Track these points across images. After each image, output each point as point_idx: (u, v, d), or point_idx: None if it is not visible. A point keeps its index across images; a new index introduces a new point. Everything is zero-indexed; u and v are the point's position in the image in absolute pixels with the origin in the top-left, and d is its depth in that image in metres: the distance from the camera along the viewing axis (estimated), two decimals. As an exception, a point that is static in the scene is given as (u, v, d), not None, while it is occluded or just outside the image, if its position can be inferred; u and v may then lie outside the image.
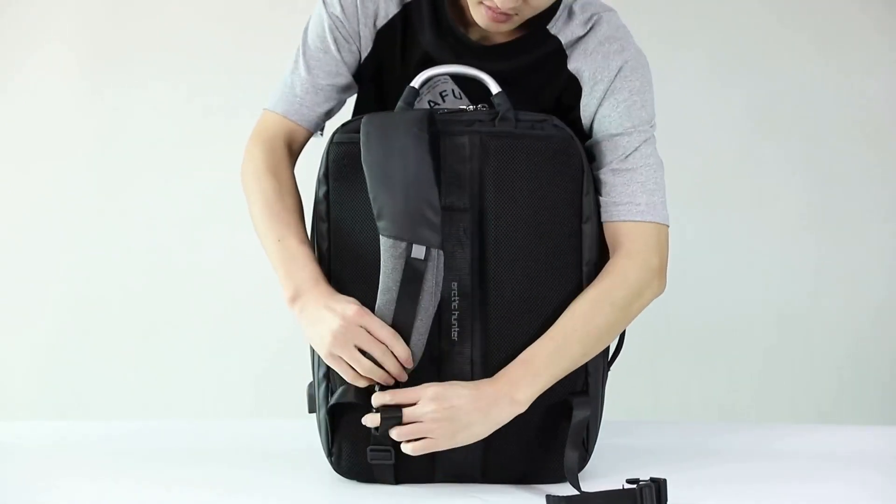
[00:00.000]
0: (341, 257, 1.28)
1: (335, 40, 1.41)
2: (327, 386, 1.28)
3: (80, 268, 2.67)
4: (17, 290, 2.69)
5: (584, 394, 1.27)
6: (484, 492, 1.24)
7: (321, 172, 1.30)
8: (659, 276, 1.33)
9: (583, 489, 1.20)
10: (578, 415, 1.24)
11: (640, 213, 1.32)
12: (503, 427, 1.23)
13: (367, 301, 1.24)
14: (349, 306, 1.22)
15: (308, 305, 1.25)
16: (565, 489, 1.22)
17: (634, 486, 1.16)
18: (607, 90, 1.35)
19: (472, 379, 1.24)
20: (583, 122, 1.37)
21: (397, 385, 1.23)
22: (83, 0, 2.64)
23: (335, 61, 1.42)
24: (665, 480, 1.17)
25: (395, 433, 1.21)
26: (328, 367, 1.27)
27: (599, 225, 1.30)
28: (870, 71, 2.55)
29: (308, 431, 1.41)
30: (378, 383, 1.23)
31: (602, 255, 1.31)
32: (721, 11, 2.55)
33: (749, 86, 2.55)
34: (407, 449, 1.21)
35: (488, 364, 1.24)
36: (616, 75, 1.35)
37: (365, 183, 1.25)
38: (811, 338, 2.59)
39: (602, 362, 1.32)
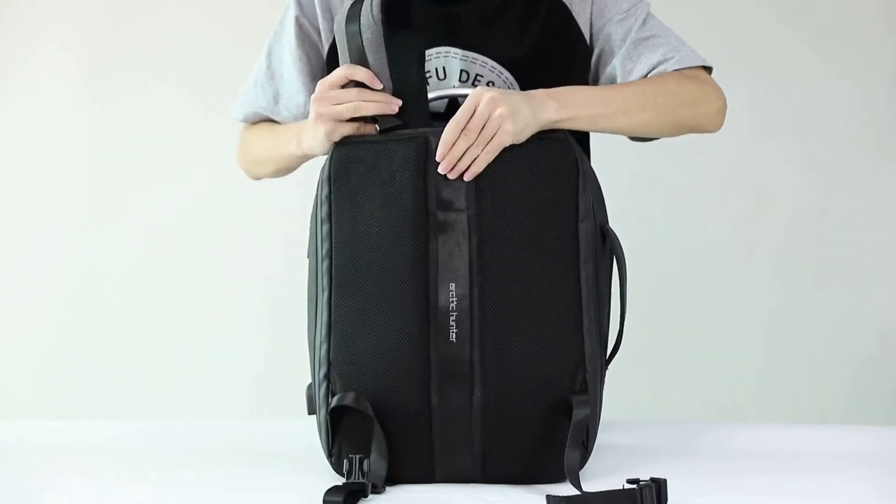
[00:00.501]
0: (342, 259, 1.29)
1: (301, 45, 1.52)
2: (328, 387, 1.28)
3: (80, 268, 2.67)
4: (17, 291, 2.70)
5: (584, 392, 1.27)
6: (484, 492, 1.24)
7: (324, 175, 1.31)
8: (719, 112, 1.44)
9: (583, 488, 1.20)
10: (579, 414, 1.24)
11: (685, 60, 1.42)
12: (502, 427, 1.24)
13: (370, 306, 1.25)
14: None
15: (299, 133, 1.41)
16: (565, 489, 1.22)
17: (634, 486, 1.16)
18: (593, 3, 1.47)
19: (471, 381, 1.24)
20: (581, 28, 1.46)
21: (402, 119, 1.29)
22: (83, 0, 2.65)
23: (305, 71, 1.54)
24: (665, 480, 1.17)
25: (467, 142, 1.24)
26: (329, 368, 1.27)
27: (595, 224, 1.30)
28: (870, 71, 2.55)
29: (308, 431, 1.41)
30: (376, 119, 1.29)
31: (599, 254, 1.31)
32: (721, 12, 2.55)
33: (749, 86, 2.55)
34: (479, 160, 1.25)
35: (486, 365, 1.25)
36: None
37: (366, 186, 1.27)
38: (811, 338, 2.59)
39: (600, 360, 1.32)
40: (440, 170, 1.26)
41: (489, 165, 1.26)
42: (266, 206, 2.65)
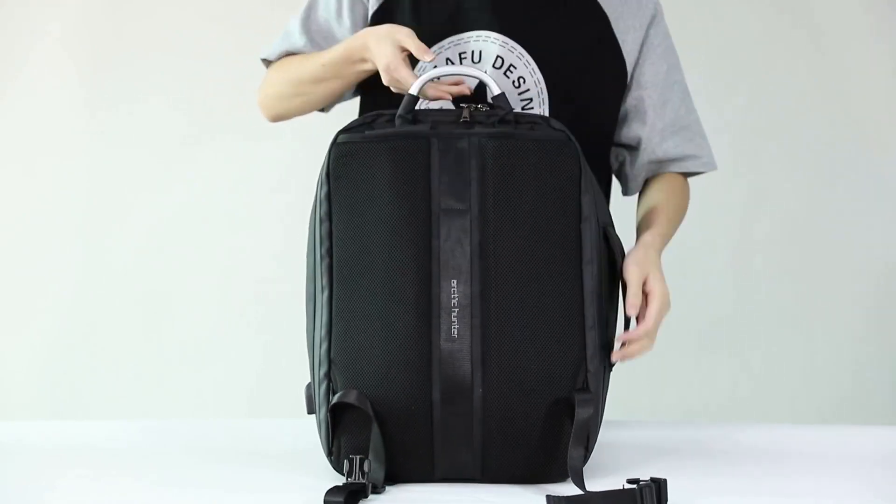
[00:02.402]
0: (342, 257, 1.28)
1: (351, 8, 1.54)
2: (328, 385, 1.28)
3: (79, 268, 2.67)
4: (17, 291, 2.70)
5: (586, 391, 1.27)
6: (484, 492, 1.24)
7: (323, 173, 1.30)
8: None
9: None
10: (582, 413, 1.24)
11: (707, 166, 1.62)
12: (503, 426, 1.24)
13: (371, 304, 1.25)
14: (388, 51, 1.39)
15: (367, 45, 1.43)
16: (565, 489, 1.21)
17: (634, 486, 1.16)
18: (643, 40, 1.55)
19: (472, 378, 1.24)
20: (625, 56, 1.53)
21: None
22: (82, 1, 2.65)
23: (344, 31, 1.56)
24: (665, 480, 1.17)
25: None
26: (329, 367, 1.27)
27: (598, 224, 1.30)
28: (869, 71, 2.55)
29: (306, 431, 1.41)
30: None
31: (601, 255, 1.31)
32: (720, 12, 2.55)
33: (749, 86, 2.56)
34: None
35: (488, 362, 1.24)
36: (650, 23, 1.55)
37: (366, 184, 1.27)
38: (811, 338, 2.59)
39: (603, 361, 1.32)
40: (613, 358, 1.33)
41: (491, 166, 1.26)
42: (264, 205, 2.65)
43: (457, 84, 1.42)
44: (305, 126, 2.64)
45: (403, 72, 1.38)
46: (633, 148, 1.59)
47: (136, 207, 2.66)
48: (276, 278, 2.61)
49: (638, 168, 1.60)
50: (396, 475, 1.26)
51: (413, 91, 1.32)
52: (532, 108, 1.50)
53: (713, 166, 1.63)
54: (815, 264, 2.58)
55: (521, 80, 1.50)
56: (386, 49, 1.40)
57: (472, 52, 1.50)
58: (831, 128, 2.56)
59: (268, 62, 1.64)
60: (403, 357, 1.24)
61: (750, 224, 2.58)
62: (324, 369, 1.28)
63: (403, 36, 1.40)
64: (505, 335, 1.25)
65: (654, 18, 1.56)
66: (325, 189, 1.29)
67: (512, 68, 1.49)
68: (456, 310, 1.25)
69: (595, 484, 1.23)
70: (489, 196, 1.26)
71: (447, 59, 1.50)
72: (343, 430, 1.27)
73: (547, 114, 1.50)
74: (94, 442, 1.51)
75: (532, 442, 1.26)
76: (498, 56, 1.49)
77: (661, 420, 1.69)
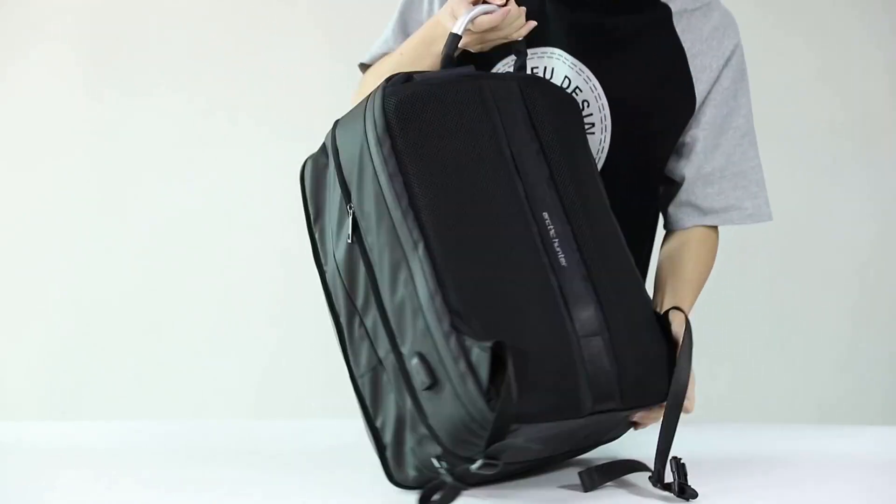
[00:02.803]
0: (432, 205, 1.19)
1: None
2: (458, 337, 1.14)
3: (80, 268, 2.67)
4: (17, 291, 2.70)
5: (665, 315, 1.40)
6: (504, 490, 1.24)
7: (379, 131, 1.21)
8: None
9: (583, 491, 1.20)
10: (675, 328, 1.40)
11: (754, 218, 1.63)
12: (630, 343, 1.24)
13: (477, 244, 1.19)
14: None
15: (437, 18, 1.40)
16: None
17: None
18: (716, 79, 1.52)
19: (594, 302, 1.21)
20: (696, 97, 1.51)
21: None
22: (84, 0, 2.65)
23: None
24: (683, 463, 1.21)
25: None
26: (451, 317, 1.15)
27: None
28: (869, 71, 2.55)
29: (308, 432, 1.41)
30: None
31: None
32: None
33: (749, 86, 2.55)
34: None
35: (600, 286, 1.22)
36: (726, 63, 1.54)
37: (435, 126, 1.22)
38: (811, 338, 2.59)
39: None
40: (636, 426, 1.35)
41: (542, 101, 1.28)
42: (270, 204, 2.65)
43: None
44: (306, 126, 2.64)
45: (459, 5, 1.34)
46: (678, 184, 1.56)
47: (139, 206, 2.66)
48: (279, 278, 2.61)
49: (676, 206, 1.58)
50: (540, 415, 1.15)
51: (456, 30, 1.31)
52: (594, 133, 1.48)
53: (764, 217, 1.61)
54: (815, 264, 2.58)
55: (586, 104, 1.47)
56: (449, 3, 1.37)
57: (545, 67, 1.47)
58: (831, 128, 2.56)
59: (364, 66, 1.60)
60: (530, 288, 1.19)
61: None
62: (446, 322, 1.14)
63: None
64: (603, 261, 1.25)
65: (732, 58, 1.54)
66: (387, 144, 1.20)
67: (578, 91, 1.47)
68: (556, 240, 1.22)
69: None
70: (548, 132, 1.27)
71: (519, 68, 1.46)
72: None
73: (608, 142, 1.49)
74: (94, 442, 1.51)
75: (652, 358, 1.30)
76: (566, 77, 1.47)
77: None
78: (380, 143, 1.20)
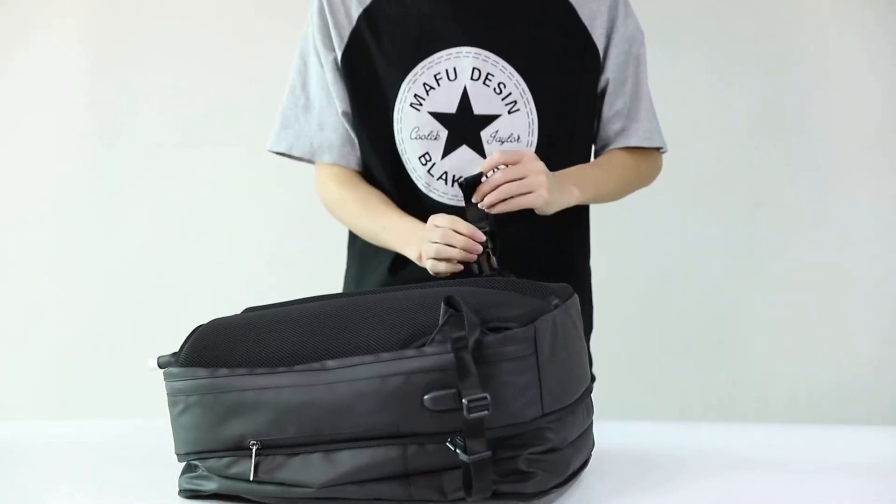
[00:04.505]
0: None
1: (332, 79, 1.60)
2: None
3: (80, 267, 2.67)
4: (17, 291, 2.69)
5: None
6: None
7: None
8: (653, 180, 1.72)
9: (583, 491, 1.20)
10: None
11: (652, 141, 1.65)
12: None
13: None
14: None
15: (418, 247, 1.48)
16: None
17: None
18: (609, 20, 1.58)
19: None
20: (595, 40, 1.58)
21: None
22: (82, 3, 2.65)
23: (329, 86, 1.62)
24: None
25: (509, 186, 1.38)
26: None
27: None
28: (869, 71, 2.55)
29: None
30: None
31: None
32: (720, 12, 2.55)
33: (748, 86, 2.55)
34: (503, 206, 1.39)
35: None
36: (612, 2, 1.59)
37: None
38: (811, 338, 2.59)
39: None
40: (478, 197, 1.40)
41: None
42: (264, 205, 2.65)
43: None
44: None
45: (426, 254, 1.44)
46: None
47: (138, 207, 2.66)
48: (279, 279, 2.61)
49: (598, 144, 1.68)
50: None
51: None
52: (518, 109, 1.54)
53: (658, 142, 1.65)
54: (815, 264, 2.58)
55: (502, 86, 1.54)
56: (425, 251, 1.45)
57: (447, 70, 1.53)
58: (831, 128, 2.56)
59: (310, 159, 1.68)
60: None
61: (750, 224, 2.58)
62: None
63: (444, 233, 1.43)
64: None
65: None
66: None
67: (490, 76, 1.53)
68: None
69: (595, 485, 1.22)
70: None
71: (424, 83, 1.54)
72: None
73: (535, 114, 1.55)
74: (94, 442, 1.51)
75: None
76: (474, 68, 1.53)
77: (661, 420, 1.68)
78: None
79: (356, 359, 1.10)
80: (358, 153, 1.62)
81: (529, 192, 1.40)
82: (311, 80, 1.63)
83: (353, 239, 1.71)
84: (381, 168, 1.60)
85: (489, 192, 1.40)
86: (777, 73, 2.55)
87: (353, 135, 1.61)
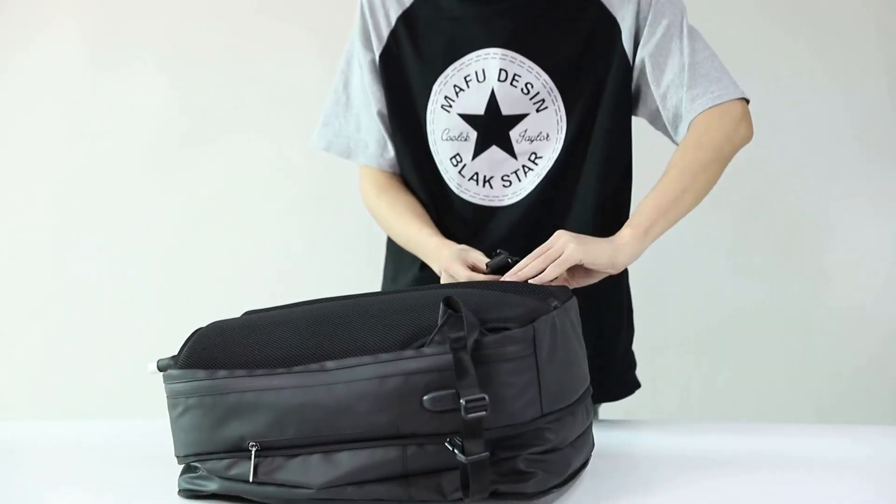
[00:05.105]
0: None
1: (372, 79, 1.62)
2: None
3: (81, 267, 2.67)
4: (17, 291, 2.70)
5: None
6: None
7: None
8: (746, 138, 1.56)
9: (583, 491, 1.20)
10: None
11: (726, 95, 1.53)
12: None
13: None
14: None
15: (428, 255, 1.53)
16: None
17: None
18: (637, 9, 1.53)
19: None
20: (624, 41, 1.53)
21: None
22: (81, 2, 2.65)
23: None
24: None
25: (536, 262, 1.31)
26: None
27: None
28: (869, 71, 2.55)
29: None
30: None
31: None
32: (720, 12, 2.55)
33: (748, 86, 2.55)
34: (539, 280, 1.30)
35: None
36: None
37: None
38: (811, 338, 2.59)
39: None
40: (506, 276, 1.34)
41: None
42: (265, 205, 2.65)
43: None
44: (306, 128, 2.64)
45: (455, 273, 1.43)
46: (656, 111, 1.59)
47: (138, 207, 2.66)
48: (279, 279, 2.61)
49: (666, 127, 1.59)
50: None
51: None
52: (546, 107, 1.55)
53: (735, 93, 1.54)
54: (815, 264, 2.58)
55: (529, 86, 1.54)
56: (444, 268, 1.46)
57: (476, 72, 1.55)
58: (830, 128, 2.56)
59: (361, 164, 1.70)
60: None
61: (750, 224, 2.58)
62: None
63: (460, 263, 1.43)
64: None
65: None
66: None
67: (517, 77, 1.54)
68: None
69: (595, 486, 1.23)
70: None
71: (454, 85, 1.56)
72: None
73: (563, 111, 1.55)
74: (94, 442, 1.51)
75: None
76: (501, 69, 1.54)
77: (661, 420, 1.68)
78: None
79: (355, 359, 1.10)
80: (391, 155, 1.64)
81: (558, 258, 1.33)
82: (353, 81, 1.66)
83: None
84: (414, 169, 1.62)
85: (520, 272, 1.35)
86: (776, 74, 2.55)
87: (387, 136, 1.64)
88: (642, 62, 1.55)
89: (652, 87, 1.55)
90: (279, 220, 2.64)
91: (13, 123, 2.68)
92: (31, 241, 2.68)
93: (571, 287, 1.33)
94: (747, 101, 1.57)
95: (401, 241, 1.62)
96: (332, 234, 2.60)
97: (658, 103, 1.56)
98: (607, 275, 1.38)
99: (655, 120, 1.60)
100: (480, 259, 1.40)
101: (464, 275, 1.38)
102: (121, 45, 2.64)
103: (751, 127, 1.57)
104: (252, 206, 2.64)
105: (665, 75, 1.54)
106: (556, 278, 1.31)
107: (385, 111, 1.63)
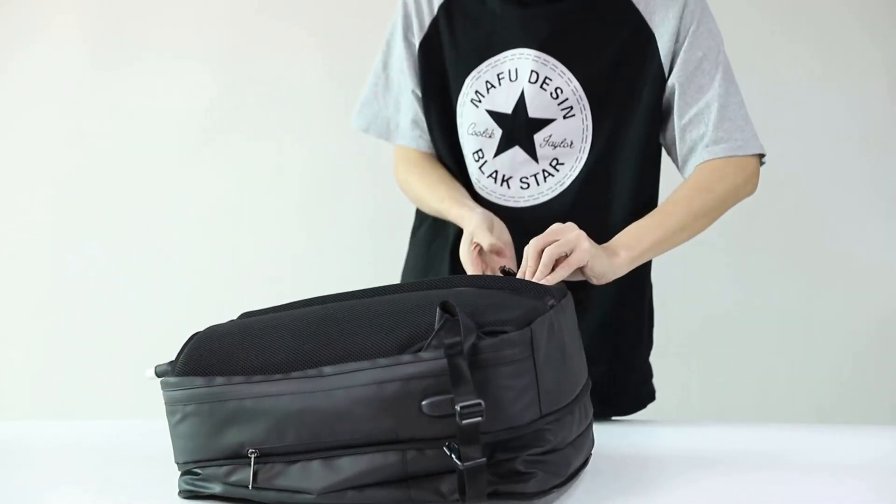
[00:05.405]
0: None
1: (409, 61, 1.63)
2: None
3: (81, 267, 2.67)
4: (17, 291, 2.69)
5: None
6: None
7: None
8: (749, 193, 1.57)
9: (583, 491, 1.20)
10: None
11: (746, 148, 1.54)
12: None
13: None
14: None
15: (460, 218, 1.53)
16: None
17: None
18: (678, 28, 1.52)
19: None
20: (662, 58, 1.52)
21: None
22: (83, 3, 2.65)
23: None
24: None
25: (551, 249, 1.31)
26: None
27: None
28: (868, 72, 2.55)
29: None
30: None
31: None
32: (719, 12, 2.55)
33: (748, 87, 2.54)
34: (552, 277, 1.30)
35: None
36: (683, 8, 1.53)
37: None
38: (811, 338, 2.59)
39: None
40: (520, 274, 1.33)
41: None
42: (265, 205, 2.65)
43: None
44: (306, 128, 2.64)
45: (480, 240, 1.45)
46: (675, 135, 1.58)
47: (138, 207, 2.66)
48: (279, 280, 2.61)
49: (679, 155, 1.59)
50: None
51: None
52: (573, 115, 1.54)
53: (754, 148, 1.55)
54: (815, 264, 2.58)
55: (559, 91, 1.54)
56: (469, 232, 1.47)
57: (509, 70, 1.55)
58: (830, 128, 2.56)
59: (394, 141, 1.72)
60: None
61: (750, 224, 2.58)
62: None
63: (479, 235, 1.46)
64: None
65: (687, 2, 1.54)
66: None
67: (547, 80, 1.53)
68: None
69: (595, 486, 1.22)
70: None
71: (486, 81, 1.56)
72: None
73: (590, 120, 1.54)
74: (94, 442, 1.51)
75: None
76: (532, 71, 1.53)
77: (661, 420, 1.68)
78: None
79: (353, 365, 1.10)
80: (428, 137, 1.66)
81: (572, 251, 1.33)
82: (393, 63, 1.67)
83: (417, 228, 1.74)
84: (444, 158, 1.65)
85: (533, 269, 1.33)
86: (776, 75, 2.55)
87: (424, 119, 1.65)
88: (673, 86, 1.54)
89: (675, 113, 1.55)
90: (279, 220, 2.64)
91: (13, 123, 2.68)
92: (31, 241, 2.68)
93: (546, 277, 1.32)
94: (762, 157, 1.58)
95: (431, 206, 1.62)
96: (333, 234, 2.60)
97: (676, 132, 1.56)
98: (584, 280, 1.38)
99: (669, 147, 1.60)
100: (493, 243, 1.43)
101: (487, 242, 1.41)
102: (121, 45, 2.64)
103: (756, 184, 1.59)
104: (252, 206, 2.64)
105: (691, 108, 1.54)
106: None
107: (422, 97, 1.64)
